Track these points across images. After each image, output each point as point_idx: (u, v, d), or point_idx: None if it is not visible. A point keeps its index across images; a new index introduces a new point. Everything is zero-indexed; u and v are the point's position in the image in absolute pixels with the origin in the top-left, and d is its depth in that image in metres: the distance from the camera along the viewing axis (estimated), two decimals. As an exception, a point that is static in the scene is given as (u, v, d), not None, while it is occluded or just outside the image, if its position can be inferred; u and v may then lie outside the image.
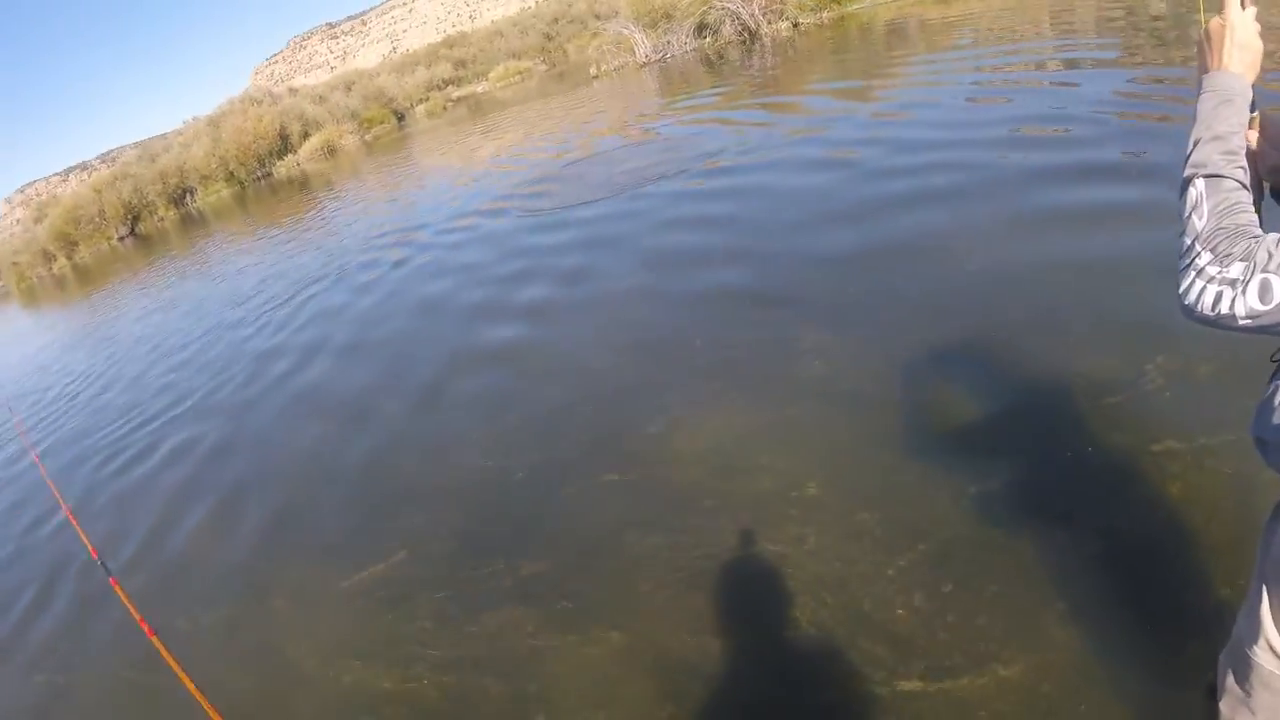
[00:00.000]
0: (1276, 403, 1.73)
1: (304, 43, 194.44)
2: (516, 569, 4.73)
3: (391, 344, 9.39)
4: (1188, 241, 1.56)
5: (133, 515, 7.51)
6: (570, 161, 17.02)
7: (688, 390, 6.02)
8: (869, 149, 10.60)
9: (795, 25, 30.56)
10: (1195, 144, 1.66)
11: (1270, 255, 1.43)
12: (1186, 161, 1.65)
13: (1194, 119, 1.71)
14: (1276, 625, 1.92)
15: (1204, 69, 1.77)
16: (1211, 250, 1.51)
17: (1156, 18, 16.44)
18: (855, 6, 31.50)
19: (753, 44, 29.37)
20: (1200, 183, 1.60)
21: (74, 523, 6.13)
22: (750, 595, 4.00)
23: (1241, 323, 1.47)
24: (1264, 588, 1.96)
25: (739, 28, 31.05)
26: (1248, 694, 2.07)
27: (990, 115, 10.68)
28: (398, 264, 13.01)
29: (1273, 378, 1.79)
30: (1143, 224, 6.00)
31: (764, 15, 30.58)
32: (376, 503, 6.11)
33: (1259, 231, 1.49)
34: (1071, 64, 13.34)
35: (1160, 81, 10.49)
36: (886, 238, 7.61)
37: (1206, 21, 1.79)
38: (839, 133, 12.22)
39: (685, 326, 7.10)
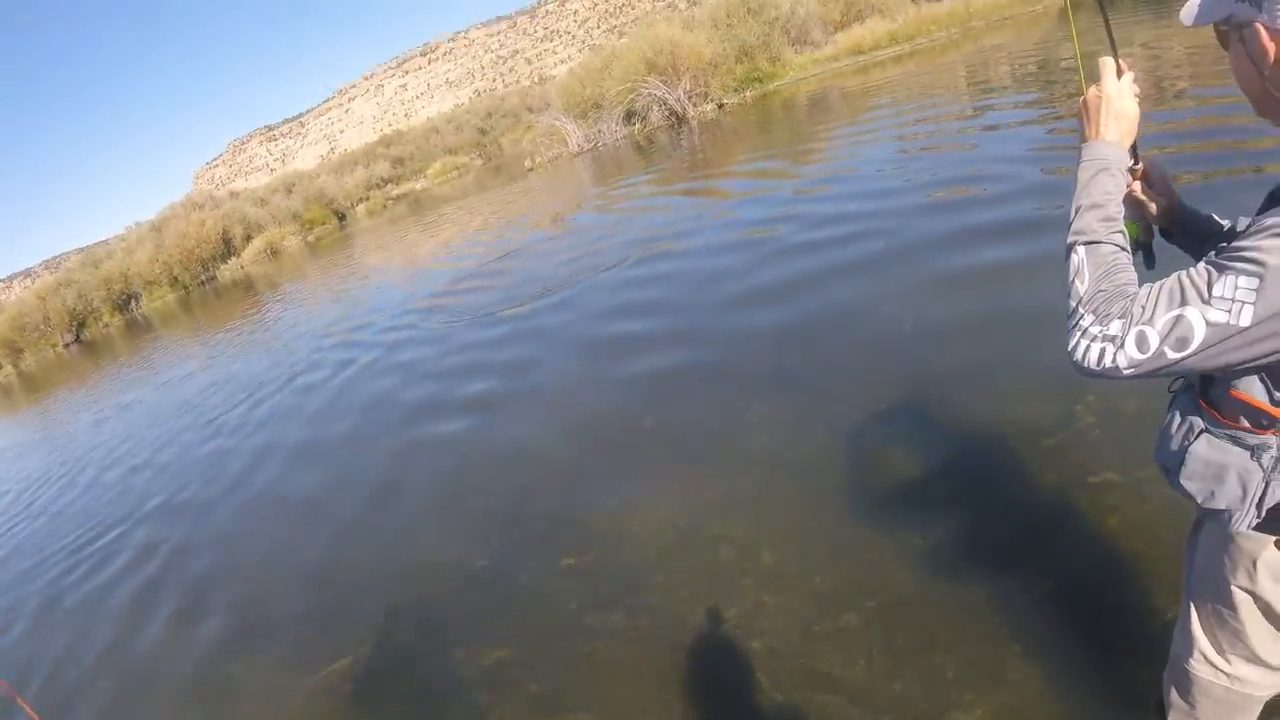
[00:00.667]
0: (1172, 430, 1.85)
1: (243, 145, 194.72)
2: (480, 657, 4.74)
3: (344, 442, 9.41)
4: (1072, 304, 1.64)
5: (91, 627, 7.43)
6: (507, 254, 17.29)
7: (639, 469, 6.13)
8: (790, 224, 11.11)
9: (720, 106, 31.53)
10: (1076, 211, 1.76)
11: (1143, 309, 1.51)
12: (1069, 229, 1.75)
13: (1074, 187, 1.80)
14: (1206, 636, 2.07)
15: (1083, 138, 1.87)
16: (1093, 312, 1.59)
17: (1069, 68, 17.28)
18: (776, 84, 32.56)
19: (680, 127, 30.26)
20: (1081, 250, 1.69)
21: None
22: (713, 666, 4.05)
23: (1126, 373, 1.55)
24: (1191, 604, 2.11)
25: (666, 113, 31.91)
26: (1191, 706, 2.21)
27: (908, 181, 11.24)
28: (344, 364, 13.05)
29: (1169, 406, 1.91)
30: (1058, 271, 6.31)
31: (689, 98, 31.45)
32: (337, 598, 6.11)
33: (1134, 290, 1.59)
34: (989, 123, 14.02)
35: (1075, 131, 10.99)
36: (815, 308, 7.98)
37: (1084, 92, 1.90)
38: (761, 211, 12.71)
39: (632, 408, 7.24)
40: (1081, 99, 1.90)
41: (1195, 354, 1.47)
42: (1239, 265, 1.43)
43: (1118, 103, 1.82)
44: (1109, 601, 3.53)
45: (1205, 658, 2.08)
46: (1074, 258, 1.71)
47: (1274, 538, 1.80)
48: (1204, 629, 2.07)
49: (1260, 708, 2.14)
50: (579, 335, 9.81)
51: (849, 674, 3.65)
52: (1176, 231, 2.15)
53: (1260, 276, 1.40)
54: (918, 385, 5.83)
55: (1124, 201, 1.86)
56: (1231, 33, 1.62)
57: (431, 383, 10.33)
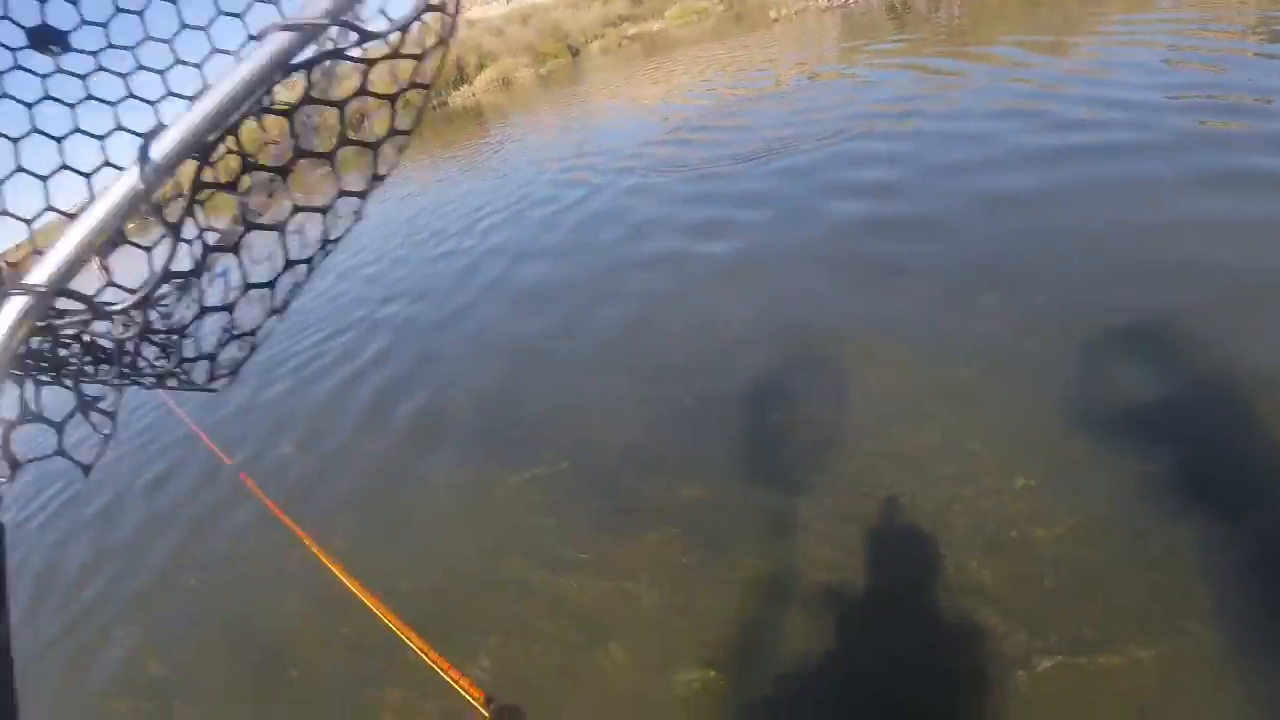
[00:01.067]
0: None
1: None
2: (676, 491, 4.83)
3: (569, 277, 9.53)
4: None
5: (307, 406, 8.12)
6: (737, 108, 16.94)
7: (866, 337, 6.01)
8: (1036, 119, 10.16)
9: (989, -26, 29.59)
10: None
11: None
12: None
13: None
14: None
15: None
16: None
17: None
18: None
19: (940, -8, 28.52)
20: None
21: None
22: (898, 548, 4.02)
23: None
24: None
25: (930, -26, 30.23)
26: None
27: (1186, 80, 10.23)
28: (564, 201, 13.18)
29: None
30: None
31: (955, -36, 29.68)
32: (549, 408, 6.36)
33: None
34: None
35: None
36: (1074, 190, 7.44)
37: None
38: (1006, 98, 11.77)
39: (856, 280, 7.02)
40: None
41: None
42: None
43: None
44: None
45: None
46: None
47: None
48: None
49: None
50: (802, 208, 9.34)
51: (1024, 589, 3.57)
52: None
53: None
54: (1167, 300, 5.34)
55: None
56: None
57: (636, 230, 10.35)
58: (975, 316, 5.84)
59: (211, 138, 0.81)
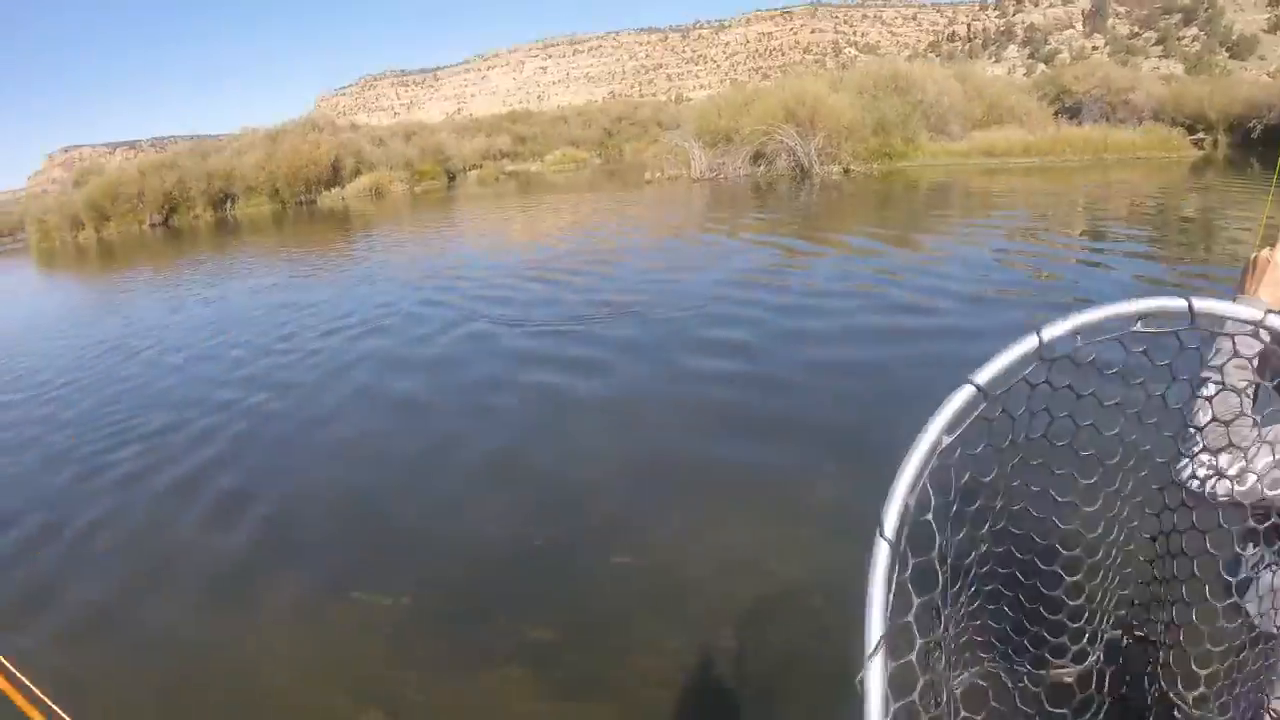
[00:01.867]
0: (1244, 554, 1.89)
1: (374, 82, 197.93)
2: (522, 632, 4.77)
3: (415, 394, 9.52)
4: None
5: (126, 508, 7.38)
6: (600, 259, 17.62)
7: (706, 495, 6.24)
8: (876, 300, 11.75)
9: (846, 171, 32.11)
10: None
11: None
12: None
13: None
14: None
15: (1239, 289, 1.94)
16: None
17: (1186, 219, 17.69)
18: (904, 164, 33.10)
19: (803, 181, 30.81)
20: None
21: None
22: (746, 693, 4.16)
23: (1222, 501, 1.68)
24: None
25: (793, 163, 32.57)
26: None
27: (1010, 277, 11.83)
28: (424, 319, 13.29)
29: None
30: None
31: (819, 156, 32.10)
32: (385, 537, 6.20)
33: None
34: (1088, 258, 14.60)
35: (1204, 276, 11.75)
36: (900, 363, 8.62)
37: (1258, 250, 1.95)
38: (849, 282, 13.30)
39: (706, 439, 7.35)
40: (1254, 255, 1.96)
41: None
42: None
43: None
44: None
45: None
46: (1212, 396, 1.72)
47: None
48: None
49: None
50: (662, 358, 9.93)
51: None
52: None
53: None
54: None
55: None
56: None
57: (505, 361, 10.45)
58: (819, 478, 6.27)
59: None
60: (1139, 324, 1.28)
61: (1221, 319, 1.40)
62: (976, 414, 1.23)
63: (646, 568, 5.32)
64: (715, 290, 13.15)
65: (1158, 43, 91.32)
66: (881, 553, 1.14)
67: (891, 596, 1.12)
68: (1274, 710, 1.86)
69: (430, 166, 59.73)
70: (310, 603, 5.43)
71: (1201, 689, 1.92)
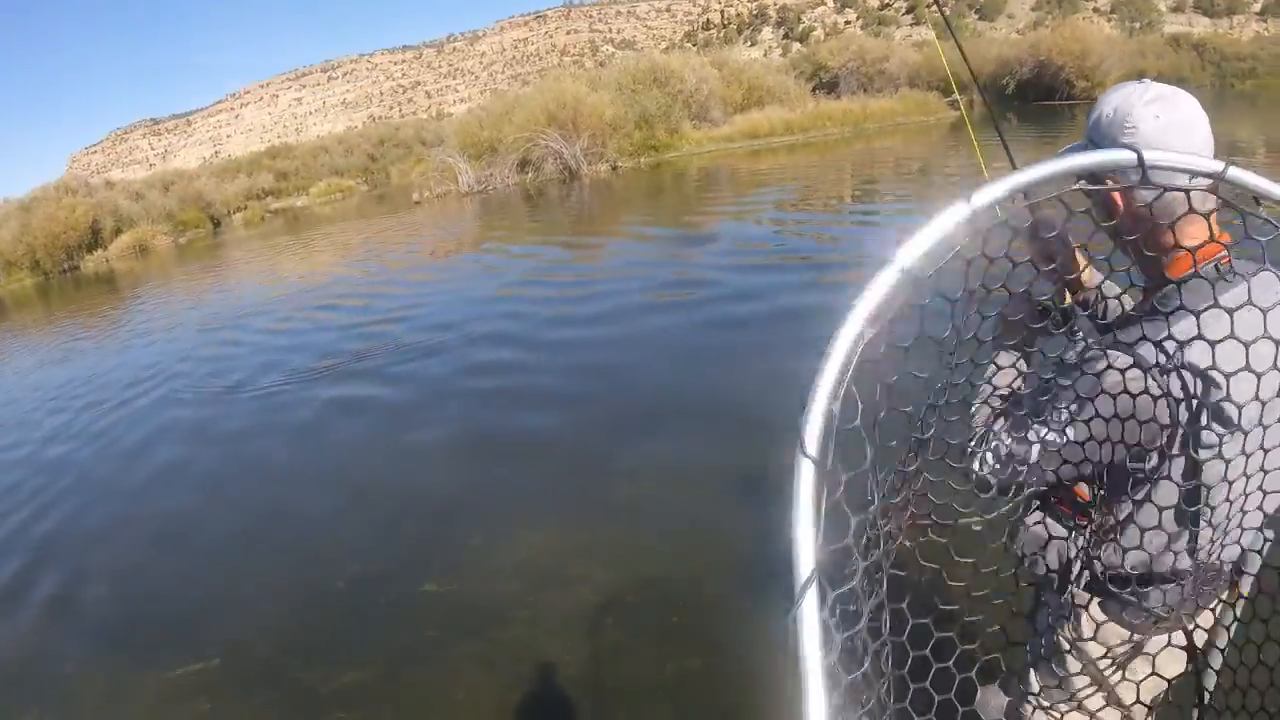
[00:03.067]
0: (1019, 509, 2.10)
1: (125, 136, 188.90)
2: (336, 677, 4.66)
3: (193, 456, 8.93)
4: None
5: None
6: (371, 291, 17.00)
7: (504, 509, 6.17)
8: (670, 288, 11.40)
9: (614, 168, 31.91)
10: None
11: (996, 433, 1.86)
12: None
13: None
14: (1044, 694, 2.21)
15: None
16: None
17: (950, 174, 18.24)
18: (671, 154, 33.19)
19: (572, 182, 30.54)
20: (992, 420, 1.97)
21: None
22: (568, 704, 4.12)
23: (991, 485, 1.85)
24: (1030, 669, 2.25)
25: (560, 166, 32.08)
26: None
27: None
28: (197, 379, 12.25)
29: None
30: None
31: (585, 156, 31.73)
32: (184, 608, 5.87)
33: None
34: (858, 219, 14.72)
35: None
36: (694, 360, 8.27)
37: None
38: (640, 281, 12.82)
39: (496, 454, 7.30)
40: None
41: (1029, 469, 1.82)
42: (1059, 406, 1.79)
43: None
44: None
45: (1042, 708, 2.23)
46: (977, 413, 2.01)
47: (1104, 611, 2.02)
48: (1041, 694, 2.21)
49: None
50: (438, 382, 9.71)
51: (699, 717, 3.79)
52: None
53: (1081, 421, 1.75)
54: (779, 451, 5.95)
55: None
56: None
57: (273, 411, 10.02)
58: (615, 476, 6.29)
59: None
60: (1081, 182, 1.26)
61: (1174, 173, 1.27)
62: (903, 301, 1.06)
63: (457, 591, 5.23)
64: (484, 306, 12.96)
65: (908, 11, 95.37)
66: (805, 471, 0.99)
67: (822, 522, 1.00)
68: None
69: (193, 215, 56.89)
70: (121, 681, 5.13)
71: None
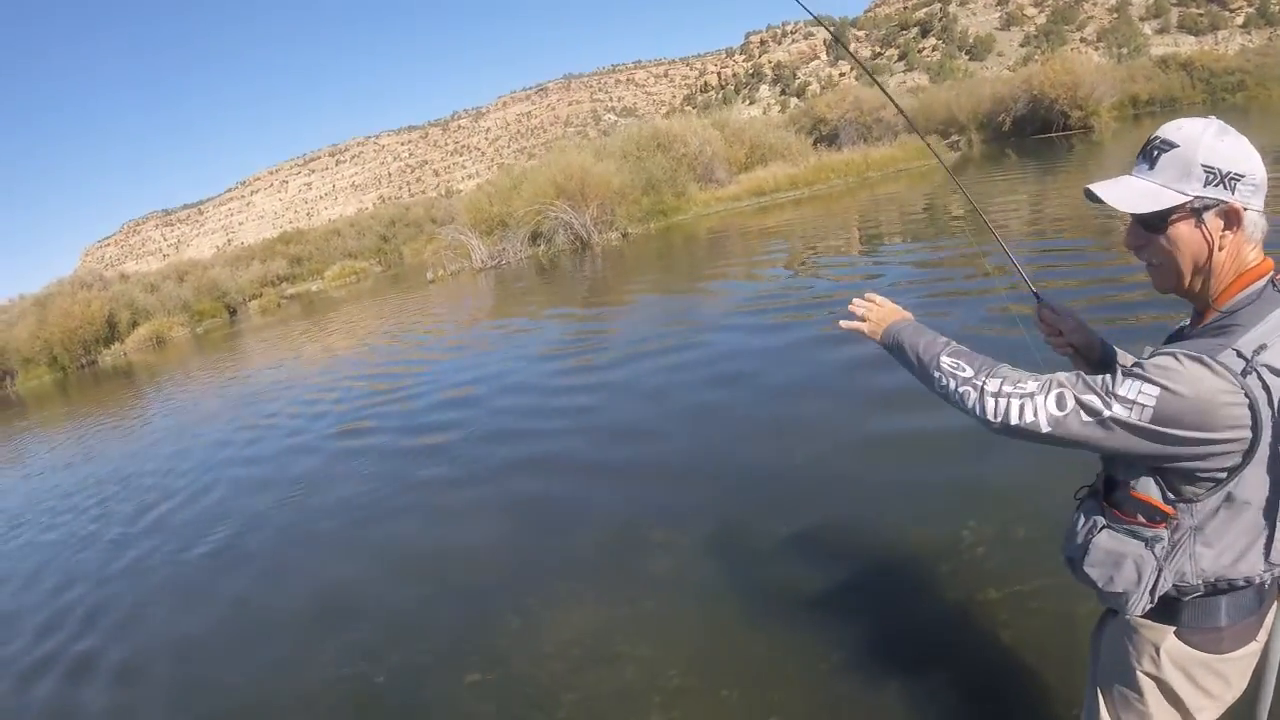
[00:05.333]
0: (1078, 527, 2.11)
1: (137, 228, 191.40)
2: None
3: (224, 554, 8.63)
4: (969, 387, 1.98)
5: None
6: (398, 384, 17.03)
7: (542, 589, 6.03)
8: (689, 355, 11.45)
9: (624, 235, 32.19)
10: (916, 353, 2.17)
11: (1060, 381, 1.85)
12: (925, 365, 2.13)
13: (904, 349, 2.22)
14: (1110, 718, 2.23)
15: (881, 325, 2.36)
16: (998, 377, 1.94)
17: (955, 216, 18.42)
18: (679, 217, 33.50)
19: (584, 252, 30.81)
20: (946, 356, 2.07)
21: None
22: None
23: (1044, 430, 1.84)
24: (1098, 692, 2.27)
25: (571, 236, 32.36)
26: None
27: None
28: (239, 465, 12.04)
29: (1076, 510, 2.18)
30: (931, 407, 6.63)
31: (595, 225, 32.05)
32: (229, 707, 5.72)
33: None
34: (869, 271, 15.04)
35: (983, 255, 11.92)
36: (724, 428, 8.41)
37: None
38: (652, 353, 12.87)
39: (532, 531, 7.20)
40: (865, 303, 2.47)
41: (1101, 428, 1.80)
42: (1141, 374, 1.77)
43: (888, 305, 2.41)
44: (1008, 706, 3.73)
45: None
46: (945, 365, 2.07)
47: (1173, 628, 2.03)
48: (1109, 713, 2.24)
49: None
50: (468, 460, 9.57)
51: None
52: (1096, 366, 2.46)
53: (1162, 388, 1.73)
54: (815, 511, 6.11)
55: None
56: (1185, 217, 1.87)
57: (317, 504, 9.68)
58: (648, 547, 6.23)
59: None
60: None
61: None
62: None
63: (500, 679, 5.04)
64: (500, 381, 13.04)
65: (900, 58, 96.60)
66: None
67: None
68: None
69: (209, 304, 57.28)
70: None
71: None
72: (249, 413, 16.31)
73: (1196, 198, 1.84)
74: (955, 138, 46.68)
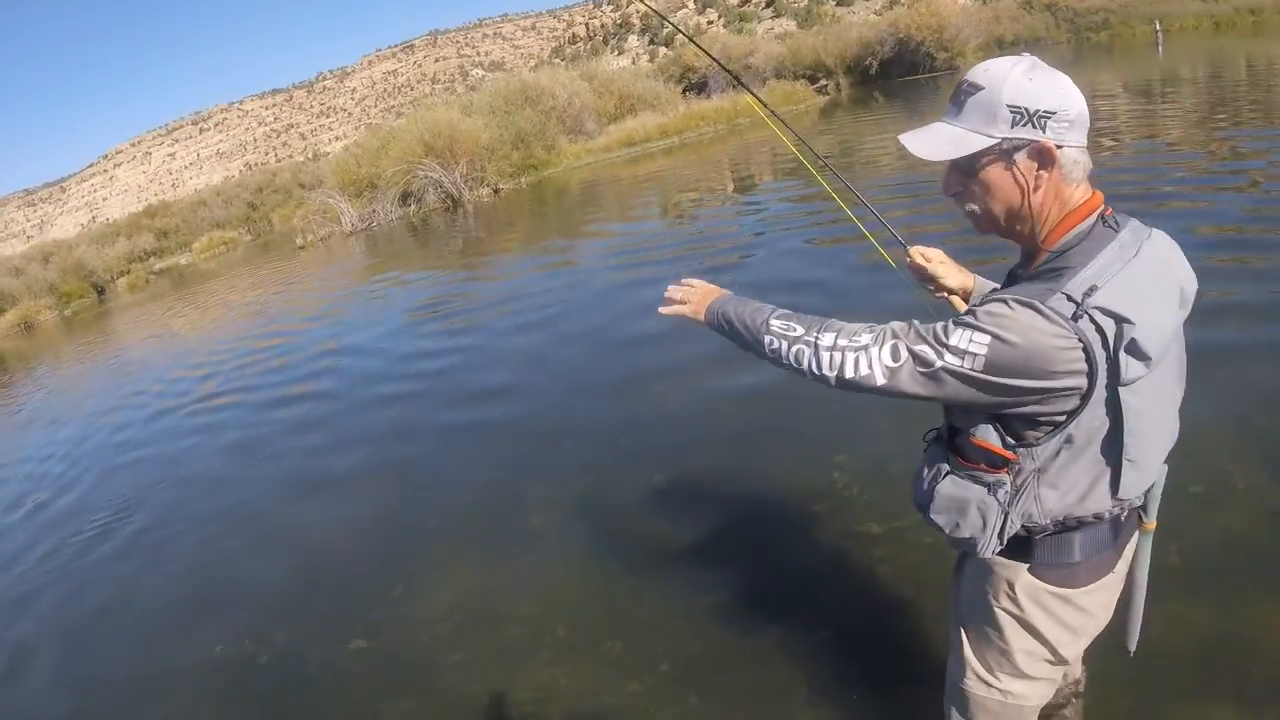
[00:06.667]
0: (924, 474, 2.15)
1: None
2: None
3: (87, 526, 8.67)
4: (801, 345, 1.95)
5: None
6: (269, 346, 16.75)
7: (421, 554, 6.05)
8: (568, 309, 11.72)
9: (496, 190, 31.90)
10: (745, 322, 2.11)
11: (894, 330, 1.85)
12: (753, 333, 2.08)
13: (730, 323, 2.16)
14: (977, 657, 2.30)
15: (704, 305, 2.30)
16: (832, 331, 1.92)
17: (826, 155, 18.79)
18: (550, 171, 33.34)
19: (456, 210, 30.47)
20: (774, 320, 2.03)
21: None
22: None
23: (879, 383, 1.84)
24: (960, 630, 2.35)
25: (442, 195, 31.95)
26: None
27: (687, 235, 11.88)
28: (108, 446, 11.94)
29: (923, 456, 2.22)
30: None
31: (466, 182, 31.69)
32: (127, 684, 5.62)
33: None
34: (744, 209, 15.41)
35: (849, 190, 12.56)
36: (597, 381, 8.59)
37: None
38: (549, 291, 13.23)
39: (406, 495, 7.19)
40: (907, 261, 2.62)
41: (933, 380, 1.80)
42: (973, 324, 1.76)
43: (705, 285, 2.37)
44: (887, 640, 3.91)
45: (978, 676, 2.31)
46: (775, 328, 2.03)
47: (1026, 565, 2.08)
48: (974, 651, 2.31)
49: (1035, 716, 2.39)
50: (338, 426, 9.67)
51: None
52: None
53: (994, 336, 1.72)
54: (688, 458, 6.30)
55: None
56: (995, 159, 1.87)
57: (175, 466, 9.89)
58: (523, 509, 6.25)
59: None
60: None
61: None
62: None
63: (384, 646, 5.07)
64: (369, 342, 13.31)
65: (768, 4, 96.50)
66: None
67: None
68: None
69: (76, 285, 54.61)
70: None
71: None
72: (118, 393, 15.88)
73: (1004, 139, 1.83)
74: (823, 82, 47.18)
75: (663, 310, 2.38)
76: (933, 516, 2.10)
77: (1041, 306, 1.71)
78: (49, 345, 32.78)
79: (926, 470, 2.16)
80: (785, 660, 3.96)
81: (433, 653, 4.84)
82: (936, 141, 1.93)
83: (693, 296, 2.32)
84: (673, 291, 2.37)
